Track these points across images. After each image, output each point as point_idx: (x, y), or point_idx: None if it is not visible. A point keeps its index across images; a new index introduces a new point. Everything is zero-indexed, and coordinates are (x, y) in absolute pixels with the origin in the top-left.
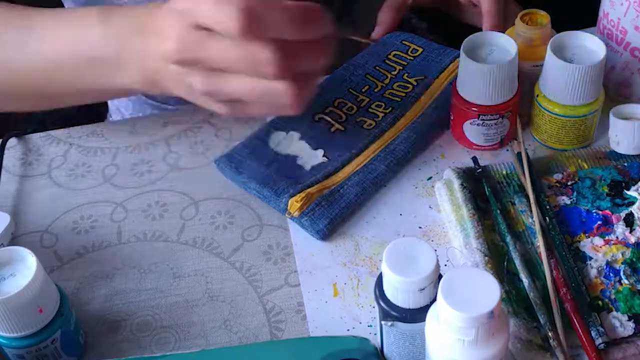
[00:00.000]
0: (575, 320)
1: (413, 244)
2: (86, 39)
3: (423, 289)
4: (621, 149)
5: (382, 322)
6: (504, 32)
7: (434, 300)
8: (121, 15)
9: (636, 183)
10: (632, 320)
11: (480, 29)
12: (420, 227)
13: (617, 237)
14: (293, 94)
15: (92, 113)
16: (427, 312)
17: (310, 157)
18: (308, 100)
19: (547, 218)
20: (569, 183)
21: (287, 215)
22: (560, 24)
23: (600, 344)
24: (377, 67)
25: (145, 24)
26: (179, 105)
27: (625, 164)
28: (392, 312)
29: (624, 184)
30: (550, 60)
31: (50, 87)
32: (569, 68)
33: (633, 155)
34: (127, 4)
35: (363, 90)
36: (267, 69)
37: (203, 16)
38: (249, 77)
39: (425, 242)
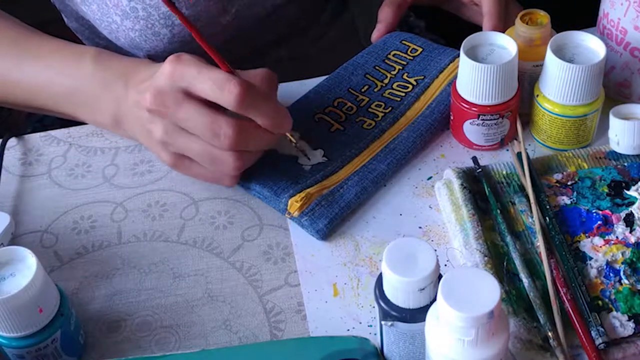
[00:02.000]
0: (575, 320)
1: (413, 244)
2: (75, 74)
3: (423, 289)
4: (621, 149)
5: (382, 322)
6: (504, 32)
7: (434, 300)
8: (115, 60)
9: (636, 183)
10: (632, 320)
11: (481, 28)
12: (420, 227)
13: (617, 237)
14: (235, 167)
15: None
16: (427, 312)
17: (310, 157)
18: (238, 178)
19: (547, 218)
20: (569, 183)
21: (287, 215)
22: (560, 24)
23: (600, 344)
24: (377, 67)
25: (127, 74)
26: None
27: (625, 164)
28: (392, 312)
29: (624, 184)
30: (550, 60)
31: (30, 104)
32: (569, 68)
33: (633, 155)
34: (119, 28)
35: (363, 90)
36: (224, 141)
37: (200, 89)
38: (204, 142)
39: (425, 242)
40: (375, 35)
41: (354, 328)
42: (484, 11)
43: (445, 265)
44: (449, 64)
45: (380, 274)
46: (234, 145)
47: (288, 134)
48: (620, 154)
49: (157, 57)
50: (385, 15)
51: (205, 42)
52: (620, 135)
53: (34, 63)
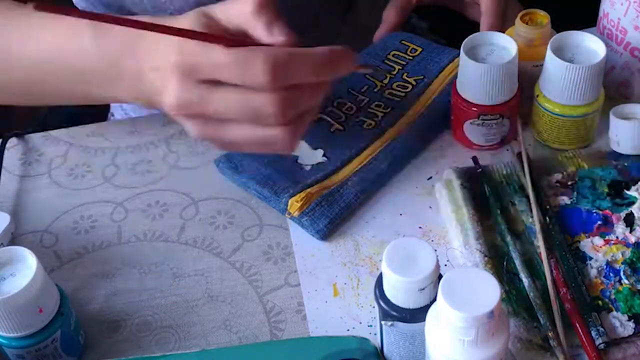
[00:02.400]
0: (575, 320)
1: (413, 244)
2: (77, 52)
3: (423, 289)
4: (621, 149)
5: (382, 322)
6: (503, 32)
7: (434, 300)
8: (112, 34)
9: (636, 183)
10: (632, 320)
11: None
12: (420, 227)
13: (617, 237)
14: (289, 139)
15: (94, 113)
16: (427, 312)
17: (310, 157)
18: (300, 139)
19: (547, 218)
20: (569, 183)
21: (287, 215)
22: (560, 24)
23: (600, 344)
24: (377, 67)
25: (135, 46)
26: None
27: (625, 164)
28: (392, 312)
29: (624, 184)
30: (550, 60)
31: (32, 88)
32: (569, 68)
33: (633, 155)
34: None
35: (363, 90)
36: (269, 120)
37: (220, 73)
38: (250, 126)
39: (425, 242)
40: (377, 36)
41: (354, 328)
42: (482, 10)
43: (445, 265)
44: (448, 64)
45: (381, 274)
46: (281, 121)
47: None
48: (620, 154)
49: None
50: (389, 16)
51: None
52: (621, 135)
53: (29, 42)
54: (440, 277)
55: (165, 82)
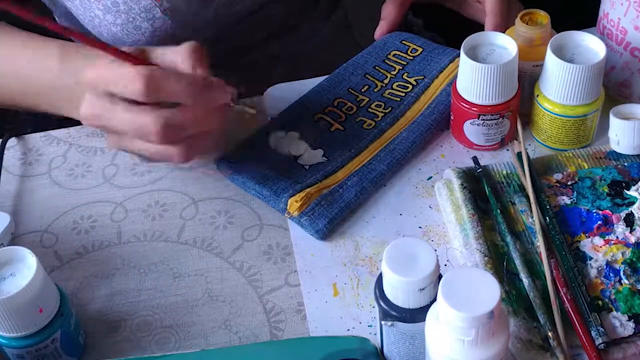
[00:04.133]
0: (575, 320)
1: (413, 244)
2: (43, 71)
3: (423, 289)
4: (621, 149)
5: (382, 322)
6: (504, 32)
7: (434, 300)
8: (75, 58)
9: (636, 183)
10: (632, 320)
11: (479, 25)
12: (420, 227)
13: (617, 237)
14: (181, 155)
15: None
16: (427, 312)
17: (310, 156)
18: (201, 154)
19: (547, 218)
20: (569, 183)
21: (286, 215)
22: (560, 24)
23: (600, 344)
24: (377, 67)
25: (82, 70)
26: None
27: (625, 164)
28: (392, 312)
29: (624, 184)
30: (550, 60)
31: (9, 102)
32: (569, 68)
33: (633, 155)
34: (101, 22)
35: (363, 90)
36: (153, 138)
37: (111, 83)
38: (142, 142)
39: (425, 242)
40: (378, 33)
41: (354, 328)
42: (486, 9)
43: (445, 265)
44: (448, 64)
45: (380, 274)
46: (164, 141)
47: (243, 106)
48: (620, 154)
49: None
50: (387, 12)
51: (97, 42)
52: (620, 135)
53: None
54: (440, 277)
55: (83, 93)
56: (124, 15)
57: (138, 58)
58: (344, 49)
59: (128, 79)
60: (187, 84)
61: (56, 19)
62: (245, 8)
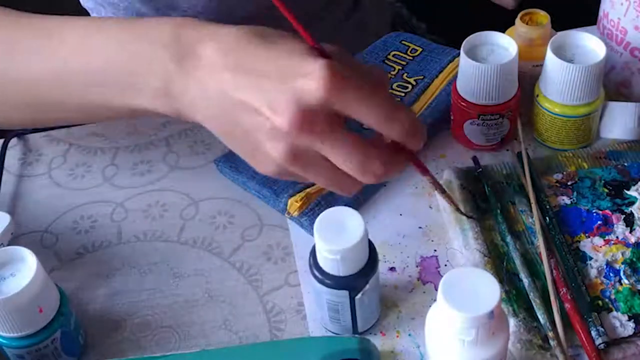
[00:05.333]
0: (575, 320)
1: (344, 213)
2: (97, 48)
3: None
4: (612, 134)
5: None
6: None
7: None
8: (144, 22)
9: (636, 183)
10: (632, 320)
11: (482, 27)
12: (420, 227)
13: (617, 237)
14: (355, 189)
15: None
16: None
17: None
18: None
19: (547, 218)
20: (569, 183)
21: (286, 215)
22: (560, 24)
23: (600, 344)
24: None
25: (179, 35)
26: None
27: (625, 164)
28: (314, 271)
29: (624, 184)
30: (550, 60)
31: (52, 97)
32: (569, 68)
33: (633, 155)
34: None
35: None
36: (371, 178)
37: (363, 118)
38: (341, 172)
39: (357, 213)
40: None
41: None
42: None
43: (445, 265)
44: (448, 64)
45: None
46: (378, 180)
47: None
48: (620, 153)
49: (194, 17)
50: None
51: (288, 12)
52: (612, 119)
53: (40, 49)
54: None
55: (296, 95)
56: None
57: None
58: (359, 50)
59: (395, 114)
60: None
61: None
62: None
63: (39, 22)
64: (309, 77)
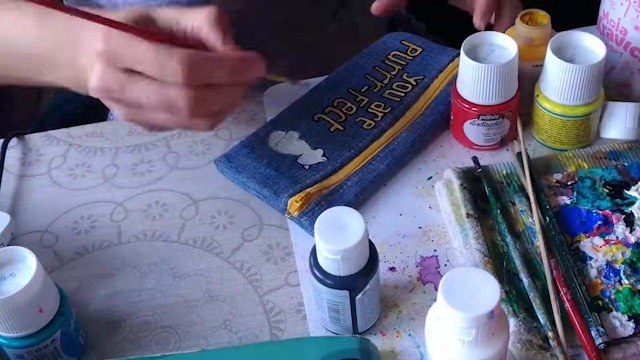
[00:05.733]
0: (575, 320)
1: (345, 214)
2: (20, 37)
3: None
4: (610, 134)
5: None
6: (502, 31)
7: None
8: (55, 20)
9: (636, 183)
10: (632, 320)
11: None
12: (420, 227)
13: (617, 237)
14: (205, 127)
15: (94, 113)
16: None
17: (310, 156)
18: (218, 126)
19: (547, 218)
20: (569, 183)
21: (286, 215)
22: (560, 24)
23: (600, 344)
24: (377, 67)
25: (75, 36)
26: None
27: (625, 164)
28: (313, 269)
29: (624, 184)
30: (550, 60)
31: None
32: (569, 68)
33: (633, 155)
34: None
35: (362, 90)
36: (181, 113)
37: (138, 62)
38: (166, 114)
39: (356, 212)
40: (376, 5)
41: None
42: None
43: (445, 265)
44: (448, 64)
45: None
46: (191, 115)
47: (272, 77)
48: (620, 153)
49: None
50: None
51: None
52: (611, 119)
53: None
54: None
55: (92, 67)
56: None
57: (152, 34)
58: (349, 47)
59: (166, 62)
60: (229, 67)
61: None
62: None
63: None
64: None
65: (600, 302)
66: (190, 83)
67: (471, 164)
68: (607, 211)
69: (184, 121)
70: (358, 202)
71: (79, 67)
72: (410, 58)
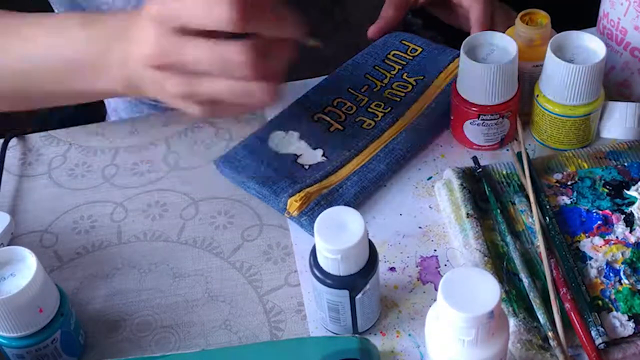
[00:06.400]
0: (575, 320)
1: (343, 212)
2: (67, 44)
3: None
4: (611, 134)
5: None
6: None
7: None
8: (102, 21)
9: (636, 183)
10: (632, 320)
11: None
12: (420, 227)
13: (617, 237)
14: (266, 92)
15: (92, 113)
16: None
17: (310, 156)
18: (278, 96)
19: (547, 218)
20: (569, 183)
21: (285, 214)
22: (560, 24)
23: (600, 344)
24: (377, 67)
25: (125, 29)
26: None
27: (625, 164)
28: (314, 269)
29: (624, 184)
30: (550, 60)
31: (27, 90)
32: (569, 68)
33: (633, 155)
34: (111, 8)
35: (362, 89)
36: (241, 71)
37: (186, 15)
38: (224, 79)
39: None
40: (372, 30)
41: None
42: (472, 20)
43: (445, 265)
44: (448, 64)
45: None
46: (253, 73)
47: (308, 40)
48: (620, 153)
49: None
50: (386, 13)
51: None
52: (611, 118)
53: (18, 42)
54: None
55: (143, 33)
56: (133, 1)
57: None
58: (343, 45)
59: (213, 6)
60: (276, 14)
61: (53, 7)
62: None
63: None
64: (146, 15)
65: (600, 302)
66: (238, 26)
67: (471, 164)
68: (607, 211)
69: (242, 85)
70: (358, 201)
71: (131, 66)
72: (410, 58)
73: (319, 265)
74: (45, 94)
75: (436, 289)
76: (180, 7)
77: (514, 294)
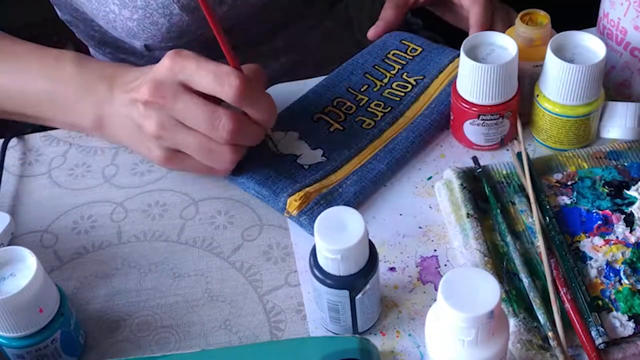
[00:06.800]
0: (575, 320)
1: (343, 212)
2: (55, 75)
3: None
4: (611, 134)
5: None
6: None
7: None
8: (95, 64)
9: (636, 183)
10: (632, 320)
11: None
12: (420, 227)
13: (617, 237)
14: (232, 160)
15: None
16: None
17: (309, 156)
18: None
19: (547, 218)
20: (569, 183)
21: (285, 214)
22: (560, 24)
23: (600, 344)
24: (377, 67)
25: (116, 75)
26: None
27: (625, 164)
28: (314, 270)
29: (624, 184)
30: (550, 60)
31: (3, 109)
32: (569, 68)
33: (633, 155)
34: (117, 17)
35: (362, 89)
36: (223, 134)
37: (199, 82)
38: (202, 135)
39: (356, 212)
40: (372, 32)
41: None
42: (471, 20)
43: (445, 265)
44: (448, 64)
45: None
46: (232, 138)
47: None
48: (620, 153)
49: (154, 47)
50: (386, 14)
51: (218, 31)
52: (611, 119)
53: (10, 65)
54: (373, 252)
55: (148, 73)
56: (141, 11)
57: (231, 55)
58: (345, 43)
59: (226, 77)
60: (269, 102)
61: (58, 12)
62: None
63: None
64: (160, 62)
65: (600, 302)
66: (242, 101)
67: (471, 164)
68: (607, 211)
69: (218, 146)
70: (357, 201)
71: (106, 109)
72: (410, 58)
73: (319, 265)
74: (13, 112)
75: (436, 289)
76: (195, 69)
77: (514, 294)
